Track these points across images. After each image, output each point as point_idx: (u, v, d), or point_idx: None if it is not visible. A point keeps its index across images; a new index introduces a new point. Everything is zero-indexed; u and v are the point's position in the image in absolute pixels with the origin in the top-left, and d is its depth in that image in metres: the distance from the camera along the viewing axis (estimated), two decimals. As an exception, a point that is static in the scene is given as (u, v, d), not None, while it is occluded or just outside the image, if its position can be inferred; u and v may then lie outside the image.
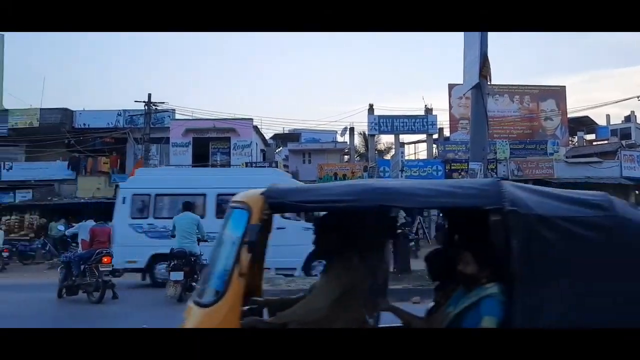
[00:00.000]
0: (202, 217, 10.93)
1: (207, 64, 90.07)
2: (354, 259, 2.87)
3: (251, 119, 24.99)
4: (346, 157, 30.18)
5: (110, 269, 9.54)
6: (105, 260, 9.42)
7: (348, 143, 29.21)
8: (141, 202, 11.86)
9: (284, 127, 31.54)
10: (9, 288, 11.78)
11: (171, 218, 10.35)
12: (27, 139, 24.30)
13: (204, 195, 11.70)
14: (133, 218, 11.62)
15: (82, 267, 9.46)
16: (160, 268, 11.13)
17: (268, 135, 29.95)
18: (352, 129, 28.08)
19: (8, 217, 21.20)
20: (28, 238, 19.91)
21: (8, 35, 30.36)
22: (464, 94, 20.61)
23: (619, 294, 2.28)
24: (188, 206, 10.00)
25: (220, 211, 11.25)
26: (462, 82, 12.61)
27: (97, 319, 8.20)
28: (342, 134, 28.92)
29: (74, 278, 9.54)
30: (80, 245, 10.58)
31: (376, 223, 3.12)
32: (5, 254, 16.68)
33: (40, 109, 24.57)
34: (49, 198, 22.42)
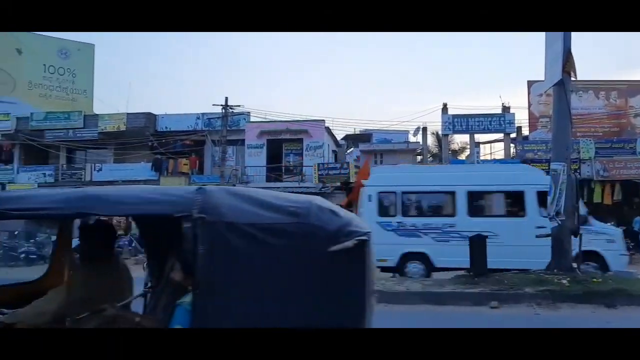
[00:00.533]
0: (451, 215, 11.35)
1: (280, 67, 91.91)
2: (104, 265, 2.93)
3: (323, 120, 25.22)
4: (419, 157, 29.73)
5: None
6: None
7: (420, 143, 28.77)
8: (387, 200, 11.83)
9: (355, 128, 31.58)
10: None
11: (420, 216, 10.97)
12: (115, 142, 25.90)
13: (452, 193, 11.51)
14: (380, 216, 11.58)
15: None
16: (412, 267, 11.35)
17: (339, 136, 30.13)
18: (424, 129, 27.63)
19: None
20: (117, 235, 21.22)
21: (98, 45, 32.46)
22: (545, 91, 19.72)
23: (304, 297, 2.30)
24: None
25: (472, 209, 11.41)
26: (542, 79, 12.11)
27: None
28: (415, 134, 28.50)
29: None
30: None
31: (158, 230, 3.16)
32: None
33: (127, 113, 26.08)
34: (135, 197, 23.77)
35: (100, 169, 25.52)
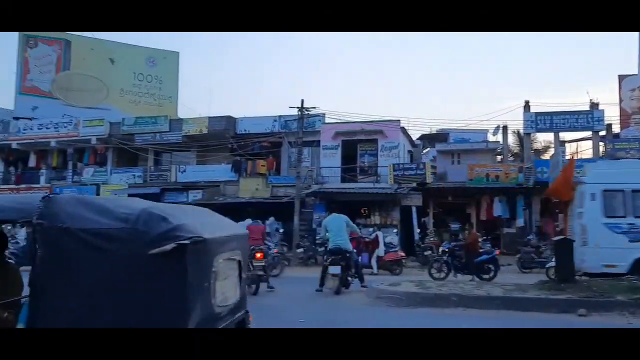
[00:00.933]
0: None
1: (354, 67, 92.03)
2: None
3: (398, 120, 25.01)
4: (499, 157, 28.71)
5: (263, 264, 10.33)
6: (258, 255, 10.24)
7: (500, 142, 27.77)
8: (614, 199, 10.91)
9: (431, 128, 31.03)
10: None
11: None
12: (198, 144, 27.11)
13: None
14: (607, 217, 10.74)
15: None
16: None
17: (415, 136, 29.72)
18: (505, 128, 26.64)
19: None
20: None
21: (182, 53, 34.11)
22: (639, 86, 18.47)
23: (130, 298, 2.43)
24: (334, 208, 10.37)
25: None
26: (635, 73, 11.35)
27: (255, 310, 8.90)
28: (494, 133, 27.53)
29: None
30: None
31: None
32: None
33: (208, 117, 27.22)
34: (216, 198, 24.78)
35: (184, 171, 26.82)
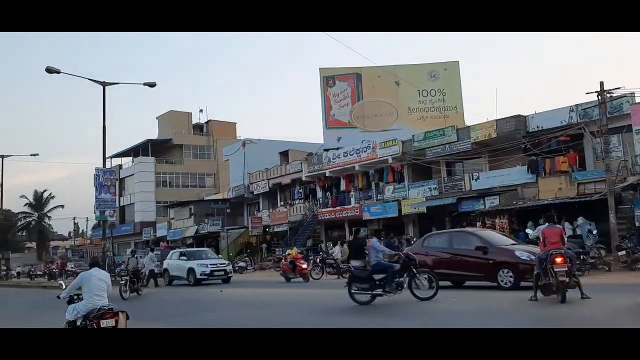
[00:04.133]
0: None
1: None
2: None
3: None
4: None
5: (565, 269, 9.24)
6: (559, 260, 9.23)
7: None
8: None
9: None
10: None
11: None
12: (488, 149, 26.52)
13: None
14: None
15: (542, 266, 9.60)
16: None
17: None
18: None
19: (480, 223, 23.55)
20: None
21: (462, 62, 34.16)
22: None
23: None
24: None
25: None
26: None
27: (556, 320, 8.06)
28: None
29: (540, 278, 9.78)
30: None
31: None
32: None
33: (496, 120, 26.41)
34: (514, 202, 23.69)
35: (478, 178, 26.52)
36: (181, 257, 23.44)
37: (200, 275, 21.77)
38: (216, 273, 21.98)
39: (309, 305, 12.19)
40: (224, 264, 23.32)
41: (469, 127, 28.27)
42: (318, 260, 23.49)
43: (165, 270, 23.80)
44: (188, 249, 27.77)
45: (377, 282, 11.00)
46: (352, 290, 11.24)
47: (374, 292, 11.03)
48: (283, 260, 22.34)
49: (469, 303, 10.77)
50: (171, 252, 25.98)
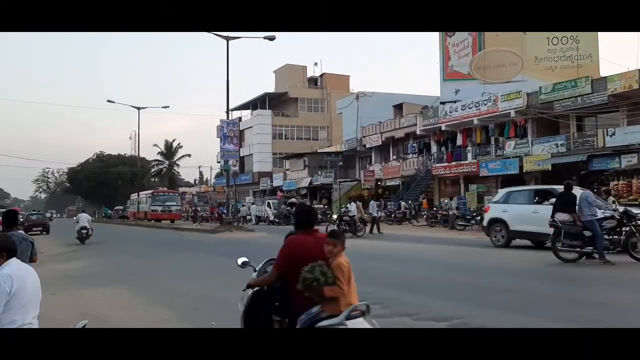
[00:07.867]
0: None
1: None
2: None
3: None
4: None
5: None
6: None
7: None
8: None
9: None
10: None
11: None
12: (628, 102, 23.98)
13: None
14: None
15: None
16: None
17: None
18: None
19: (616, 182, 21.60)
20: (638, 202, 19.56)
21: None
22: None
23: None
24: None
25: None
26: None
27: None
28: None
29: None
30: None
31: None
32: None
33: (639, 69, 23.67)
34: (657, 161, 21.38)
35: (614, 134, 24.18)
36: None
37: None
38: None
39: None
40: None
41: (605, 77, 25.67)
42: (335, 216, 23.05)
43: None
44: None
45: (587, 240, 10.26)
46: (558, 246, 10.58)
47: (584, 250, 10.36)
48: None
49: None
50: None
